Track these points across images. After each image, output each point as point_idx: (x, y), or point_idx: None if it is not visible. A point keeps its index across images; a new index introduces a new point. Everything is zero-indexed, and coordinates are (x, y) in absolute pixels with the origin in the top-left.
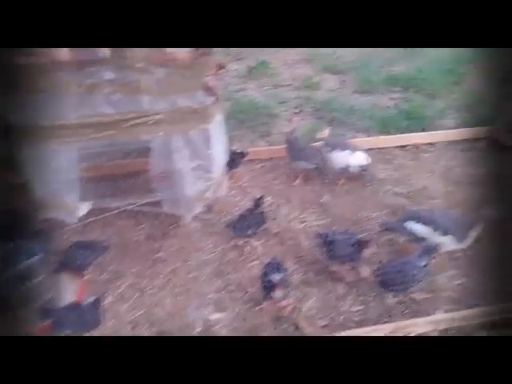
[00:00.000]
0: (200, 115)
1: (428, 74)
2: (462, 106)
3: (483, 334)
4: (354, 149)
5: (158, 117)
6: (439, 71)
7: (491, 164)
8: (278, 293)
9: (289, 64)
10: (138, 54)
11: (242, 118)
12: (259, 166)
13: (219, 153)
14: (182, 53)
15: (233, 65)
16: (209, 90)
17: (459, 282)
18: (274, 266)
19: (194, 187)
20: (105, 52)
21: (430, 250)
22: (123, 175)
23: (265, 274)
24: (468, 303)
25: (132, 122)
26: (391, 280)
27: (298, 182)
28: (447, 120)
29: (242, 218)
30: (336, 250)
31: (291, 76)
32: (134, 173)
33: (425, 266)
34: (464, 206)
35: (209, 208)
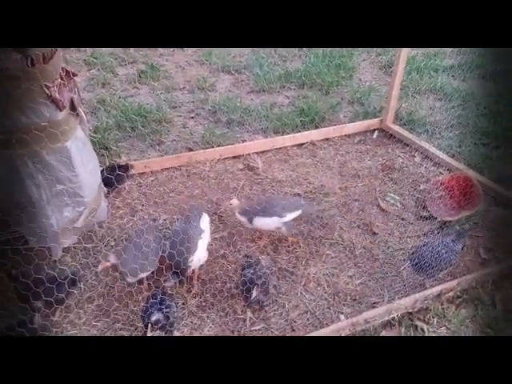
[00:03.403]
0: (51, 133)
1: (320, 69)
2: (354, 100)
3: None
4: None
5: None
6: (331, 66)
7: (382, 155)
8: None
9: (182, 66)
10: None
11: (131, 127)
12: (151, 179)
13: (88, 172)
14: (11, 63)
15: (121, 69)
16: (56, 103)
17: (359, 281)
18: (157, 300)
19: (61, 216)
20: None
21: (463, 232)
22: None
23: (145, 311)
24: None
25: None
26: (426, 264)
27: (196, 192)
28: (340, 114)
29: None
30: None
31: (185, 78)
32: None
33: (462, 249)
34: (361, 199)
35: (89, 236)
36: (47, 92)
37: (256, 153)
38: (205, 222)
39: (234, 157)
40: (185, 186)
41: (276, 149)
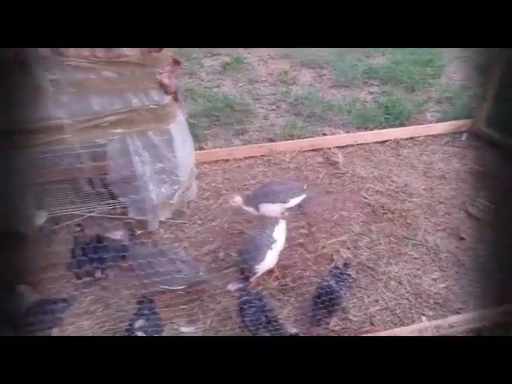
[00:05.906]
0: (158, 115)
1: (406, 66)
2: (442, 99)
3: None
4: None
5: (111, 118)
6: (418, 63)
7: (472, 158)
8: None
9: (265, 59)
10: (80, 53)
11: (217, 116)
12: (234, 166)
13: (185, 154)
14: (130, 50)
15: (207, 61)
16: (164, 88)
17: (444, 285)
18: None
19: (159, 192)
20: (42, 50)
21: None
22: (79, 181)
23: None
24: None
25: (84, 125)
26: None
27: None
28: (427, 113)
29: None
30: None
31: (267, 71)
32: (93, 178)
33: None
34: (448, 202)
35: (179, 213)
36: (158, 77)
37: (337, 147)
38: (280, 230)
39: (314, 150)
40: (265, 175)
41: (358, 144)
